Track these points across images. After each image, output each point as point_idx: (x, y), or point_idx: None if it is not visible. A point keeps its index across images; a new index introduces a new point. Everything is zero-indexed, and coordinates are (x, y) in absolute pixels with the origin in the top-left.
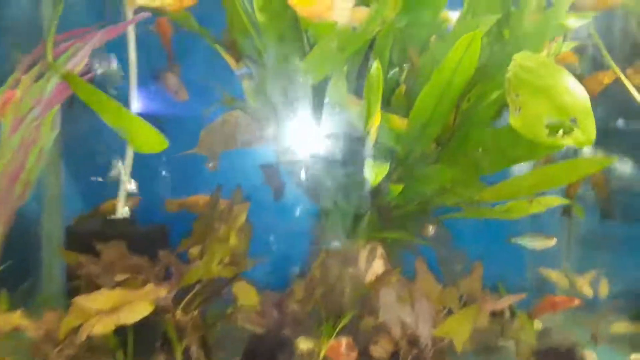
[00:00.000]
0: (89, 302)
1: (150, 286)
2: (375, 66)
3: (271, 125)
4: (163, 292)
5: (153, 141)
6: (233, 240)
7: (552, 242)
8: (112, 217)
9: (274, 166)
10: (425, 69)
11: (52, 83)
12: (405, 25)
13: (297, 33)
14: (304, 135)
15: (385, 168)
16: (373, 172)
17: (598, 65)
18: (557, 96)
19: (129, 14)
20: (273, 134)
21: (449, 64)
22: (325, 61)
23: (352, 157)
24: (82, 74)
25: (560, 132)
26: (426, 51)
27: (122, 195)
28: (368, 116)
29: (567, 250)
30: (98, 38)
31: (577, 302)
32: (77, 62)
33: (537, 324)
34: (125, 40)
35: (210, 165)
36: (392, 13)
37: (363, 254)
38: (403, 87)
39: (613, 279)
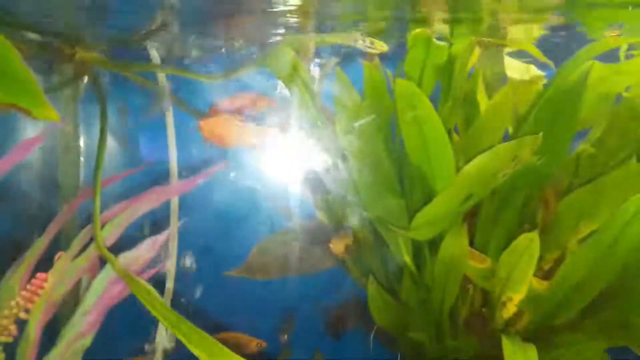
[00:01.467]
0: None
1: None
2: (532, 235)
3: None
4: None
5: None
6: None
7: None
8: None
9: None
10: (565, 218)
11: (104, 279)
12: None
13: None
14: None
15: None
16: None
17: None
18: None
19: None
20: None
21: (613, 227)
22: (444, 215)
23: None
24: (142, 271)
25: None
26: (561, 193)
27: None
28: (506, 285)
29: None
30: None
31: None
32: (141, 254)
33: None
34: None
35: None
36: (530, 151)
37: None
38: None
39: None
